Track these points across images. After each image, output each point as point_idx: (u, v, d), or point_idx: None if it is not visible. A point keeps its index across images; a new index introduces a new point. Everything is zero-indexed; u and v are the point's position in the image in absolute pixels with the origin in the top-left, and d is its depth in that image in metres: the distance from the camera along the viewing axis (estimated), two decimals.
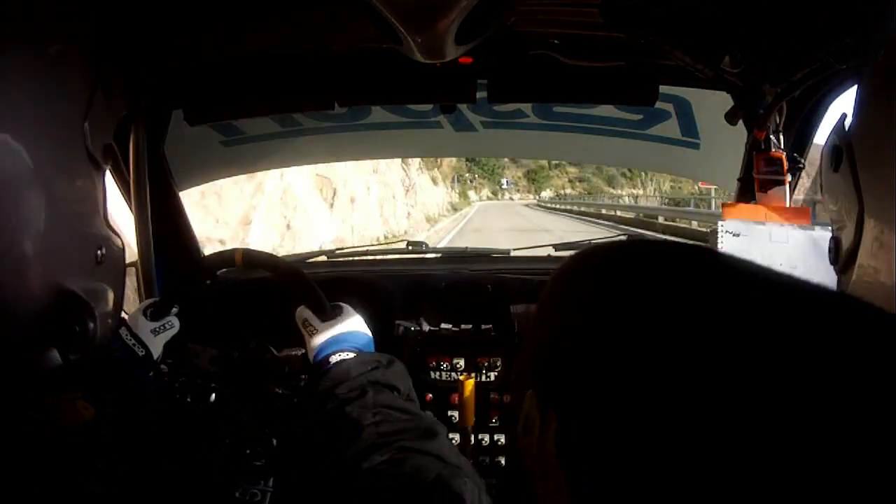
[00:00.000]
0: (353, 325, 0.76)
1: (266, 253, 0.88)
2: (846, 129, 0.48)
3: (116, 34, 0.56)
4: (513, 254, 1.45)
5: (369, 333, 0.77)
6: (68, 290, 0.44)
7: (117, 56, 0.52)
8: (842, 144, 0.48)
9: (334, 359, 0.70)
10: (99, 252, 0.48)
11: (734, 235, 0.80)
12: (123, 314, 0.82)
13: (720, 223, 0.82)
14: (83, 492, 0.40)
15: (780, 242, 0.79)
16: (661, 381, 0.20)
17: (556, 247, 1.46)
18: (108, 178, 0.68)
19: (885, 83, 0.44)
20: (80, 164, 0.46)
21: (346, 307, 0.79)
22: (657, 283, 0.23)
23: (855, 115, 0.47)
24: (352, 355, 0.71)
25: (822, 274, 0.74)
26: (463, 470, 0.57)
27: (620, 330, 0.22)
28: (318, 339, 0.74)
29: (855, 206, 0.46)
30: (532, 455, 0.25)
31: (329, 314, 0.76)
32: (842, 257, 0.50)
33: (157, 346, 0.83)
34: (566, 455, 0.23)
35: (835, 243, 0.53)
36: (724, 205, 0.89)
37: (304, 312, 0.78)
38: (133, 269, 1.08)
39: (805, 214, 0.83)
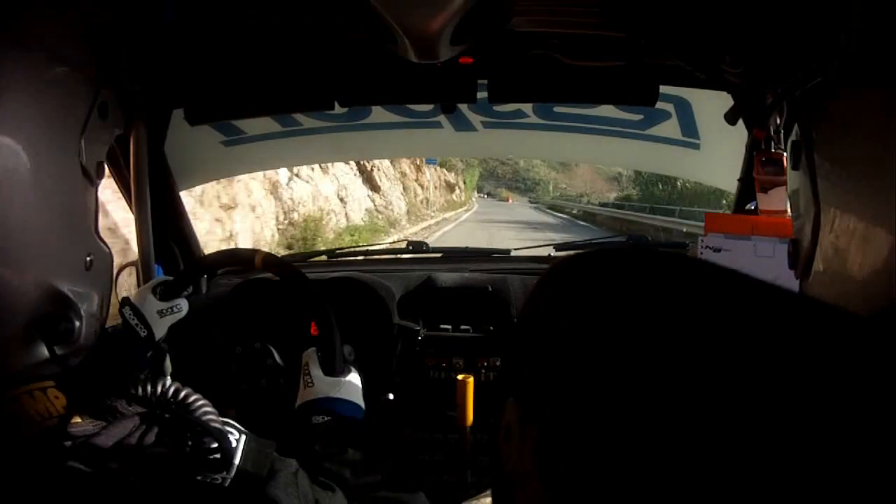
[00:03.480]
0: (351, 394, 0.74)
1: (287, 263, 0.85)
2: (808, 125, 0.47)
3: (116, 57, 0.58)
4: (513, 254, 1.45)
5: (362, 404, 0.75)
6: (58, 290, 0.46)
7: (115, 79, 0.55)
8: (801, 140, 0.47)
9: (317, 419, 0.70)
10: (88, 258, 0.51)
11: (715, 251, 0.79)
12: (128, 294, 0.81)
13: (700, 238, 0.81)
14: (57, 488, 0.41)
15: (764, 257, 0.77)
16: (641, 394, 0.20)
17: (557, 247, 1.46)
18: (102, 191, 0.69)
19: (845, 80, 0.43)
20: (74, 177, 0.49)
21: (354, 372, 0.77)
22: (635, 293, 0.23)
23: (817, 111, 0.46)
24: (334, 419, 0.71)
25: None
26: None
27: (598, 340, 0.22)
28: (310, 394, 0.73)
29: (812, 205, 0.46)
30: (512, 463, 0.25)
31: (331, 369, 0.74)
32: (800, 261, 0.50)
33: (161, 327, 0.81)
34: (544, 464, 0.23)
35: (793, 246, 0.51)
36: (707, 216, 0.87)
37: (309, 356, 0.76)
38: (133, 268, 1.08)
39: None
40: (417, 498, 0.64)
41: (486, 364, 1.07)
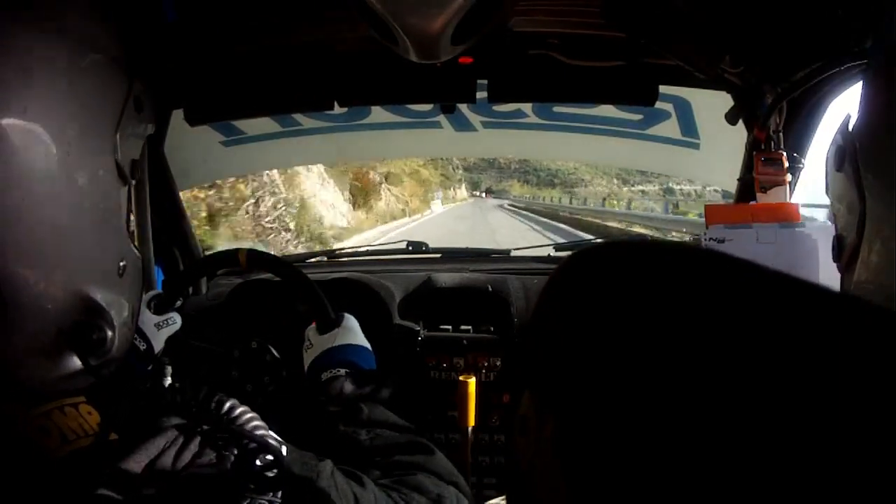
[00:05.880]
0: (348, 338, 0.73)
1: (270, 254, 0.87)
2: (849, 128, 0.48)
3: (147, 48, 0.57)
4: (513, 254, 1.45)
5: (366, 344, 0.74)
6: (89, 297, 0.44)
7: (148, 71, 0.53)
8: (845, 144, 0.48)
9: (325, 376, 0.69)
10: (121, 264, 0.48)
11: (718, 242, 0.79)
12: None
13: (703, 233, 0.81)
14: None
15: (767, 243, 0.78)
16: (659, 383, 0.20)
17: (557, 247, 1.46)
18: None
19: (886, 83, 0.44)
20: (109, 175, 0.46)
21: (347, 317, 0.76)
22: (653, 285, 0.23)
23: (858, 114, 0.47)
24: (343, 372, 0.69)
25: (812, 272, 0.74)
26: (460, 487, 0.58)
27: (616, 332, 0.22)
28: (311, 356, 0.72)
29: (857, 205, 0.47)
30: (529, 455, 0.25)
31: (326, 326, 0.74)
32: (844, 255, 0.51)
33: (159, 341, 0.81)
34: (563, 455, 0.23)
35: (838, 241, 0.53)
36: (707, 207, 0.86)
37: (310, 329, 0.76)
38: None
39: (793, 211, 0.81)
40: (435, 459, 0.62)
41: (486, 364, 1.07)
